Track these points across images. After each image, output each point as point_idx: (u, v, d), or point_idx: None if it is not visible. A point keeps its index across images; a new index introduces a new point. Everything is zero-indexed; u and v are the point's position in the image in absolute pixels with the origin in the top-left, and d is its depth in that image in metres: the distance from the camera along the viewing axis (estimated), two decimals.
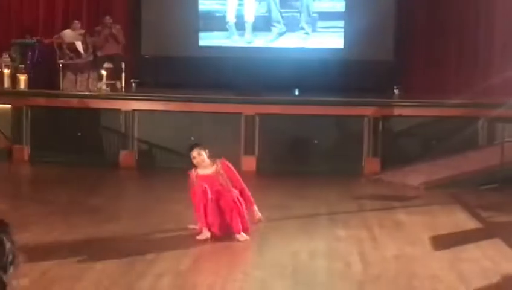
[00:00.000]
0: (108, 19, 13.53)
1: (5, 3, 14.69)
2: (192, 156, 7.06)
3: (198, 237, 6.81)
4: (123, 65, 13.39)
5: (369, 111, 11.61)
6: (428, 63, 14.52)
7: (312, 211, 8.43)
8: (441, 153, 11.12)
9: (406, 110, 11.72)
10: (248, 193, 7.07)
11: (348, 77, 14.18)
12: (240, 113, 11.64)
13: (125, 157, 11.82)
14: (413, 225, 7.84)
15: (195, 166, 7.08)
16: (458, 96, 12.06)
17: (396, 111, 11.70)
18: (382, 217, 8.20)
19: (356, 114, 11.65)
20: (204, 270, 6.07)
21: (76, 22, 13.54)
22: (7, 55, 13.22)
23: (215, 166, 7.05)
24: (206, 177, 7.00)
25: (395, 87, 13.34)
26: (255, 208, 7.09)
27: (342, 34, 14.83)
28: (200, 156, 7.03)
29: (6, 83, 12.72)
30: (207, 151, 7.12)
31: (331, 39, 14.92)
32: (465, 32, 14.45)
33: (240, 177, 7.13)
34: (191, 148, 7.13)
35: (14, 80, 12.68)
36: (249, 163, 11.43)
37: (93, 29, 13.63)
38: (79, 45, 13.08)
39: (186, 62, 14.76)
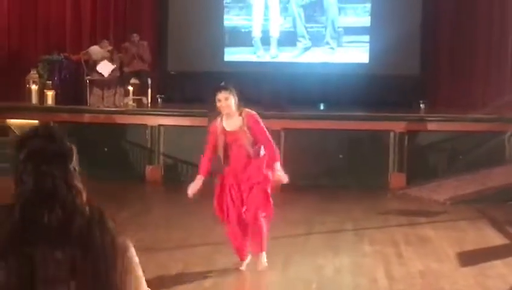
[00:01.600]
0: (135, 37, 13.65)
1: (33, 20, 14.87)
2: (217, 98, 6.12)
3: (241, 268, 6.40)
4: (149, 81, 13.49)
5: (394, 126, 11.57)
6: (454, 77, 14.43)
7: (337, 226, 8.41)
8: (468, 168, 11.05)
9: (432, 125, 11.67)
10: (274, 147, 6.21)
11: (373, 91, 14.14)
12: None
13: (152, 172, 11.89)
14: (439, 240, 7.79)
15: (219, 113, 6.21)
16: (485, 111, 11.99)
17: (422, 126, 11.66)
18: (408, 232, 8.15)
19: (382, 129, 11.62)
20: (229, 287, 6.08)
21: (105, 40, 13.66)
22: (35, 72, 13.38)
23: (240, 119, 6.17)
24: (230, 135, 6.19)
25: (421, 101, 13.28)
26: (278, 166, 6.18)
27: (368, 48, 14.81)
28: (227, 100, 6.09)
29: (34, 99, 12.88)
30: (236, 98, 6.20)
31: (357, 54, 14.91)
32: (492, 46, 14.36)
33: (266, 131, 6.23)
34: (219, 90, 6.17)
35: (41, 95, 12.83)
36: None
37: (120, 46, 13.75)
38: (103, 65, 13.16)
39: (211, 77, 14.76)
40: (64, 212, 1.97)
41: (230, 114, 6.16)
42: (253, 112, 6.25)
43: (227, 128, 6.18)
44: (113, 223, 2.06)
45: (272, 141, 6.22)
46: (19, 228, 1.91)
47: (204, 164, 6.36)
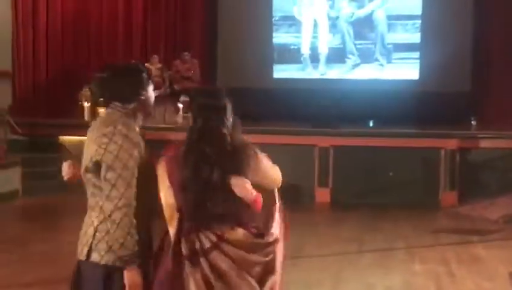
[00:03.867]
0: (186, 55, 13.80)
1: (85, 38, 15.13)
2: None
3: None
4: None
5: (445, 143, 11.45)
6: (506, 93, 14.20)
7: (387, 245, 8.34)
8: None
9: (483, 142, 11.51)
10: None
11: (423, 108, 14.00)
12: (314, 145, 11.65)
13: None
14: (491, 259, 7.67)
15: None
16: None
17: (474, 143, 11.52)
18: (460, 251, 8.05)
19: (432, 146, 11.51)
20: None
21: (155, 56, 13.86)
22: (87, 89, 13.59)
23: None
24: None
25: (472, 118, 13.11)
26: None
27: (418, 65, 14.71)
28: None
29: (87, 116, 13.08)
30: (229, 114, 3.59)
31: (407, 70, 14.81)
32: None
33: None
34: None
35: (93, 112, 13.02)
36: (323, 195, 11.41)
37: (171, 63, 13.91)
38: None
39: (260, 94, 14.86)
40: (216, 144, 3.16)
41: None
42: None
43: None
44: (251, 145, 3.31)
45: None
46: (189, 150, 3.19)
47: None
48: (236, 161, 3.18)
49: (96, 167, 3.25)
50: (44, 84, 14.66)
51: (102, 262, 3.25)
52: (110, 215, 3.18)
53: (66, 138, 12.69)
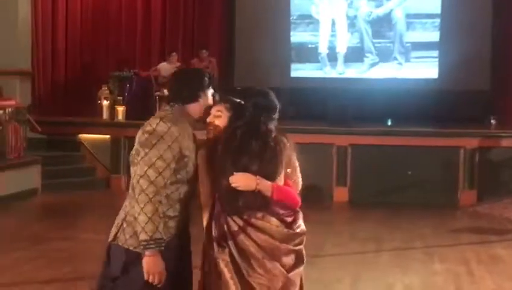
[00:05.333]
0: (204, 53, 13.82)
1: (104, 37, 15.19)
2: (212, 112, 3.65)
3: None
4: (217, 97, 13.56)
5: (464, 142, 11.39)
6: None
7: (406, 244, 8.31)
8: None
9: (503, 141, 11.45)
10: None
11: (442, 107, 13.94)
12: (332, 144, 11.62)
13: None
14: (511, 259, 7.61)
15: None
16: None
17: (493, 142, 11.44)
18: (479, 251, 8.00)
19: (451, 145, 11.45)
20: None
21: (174, 54, 13.88)
22: (106, 88, 13.65)
23: None
24: None
25: (491, 117, 13.03)
26: None
27: (437, 63, 14.63)
28: (218, 117, 3.61)
29: (105, 115, 13.13)
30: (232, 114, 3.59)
31: (425, 69, 14.74)
32: None
33: None
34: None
35: (112, 111, 13.07)
36: (341, 194, 11.39)
37: (189, 62, 13.93)
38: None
39: (278, 93, 14.42)
40: (260, 141, 3.39)
41: None
42: None
43: None
44: (286, 138, 3.52)
45: None
46: (229, 141, 3.39)
47: None
48: (274, 151, 3.41)
49: (138, 151, 3.43)
50: (64, 83, 14.74)
51: (125, 246, 3.43)
52: (137, 198, 3.33)
53: (85, 136, 12.75)
